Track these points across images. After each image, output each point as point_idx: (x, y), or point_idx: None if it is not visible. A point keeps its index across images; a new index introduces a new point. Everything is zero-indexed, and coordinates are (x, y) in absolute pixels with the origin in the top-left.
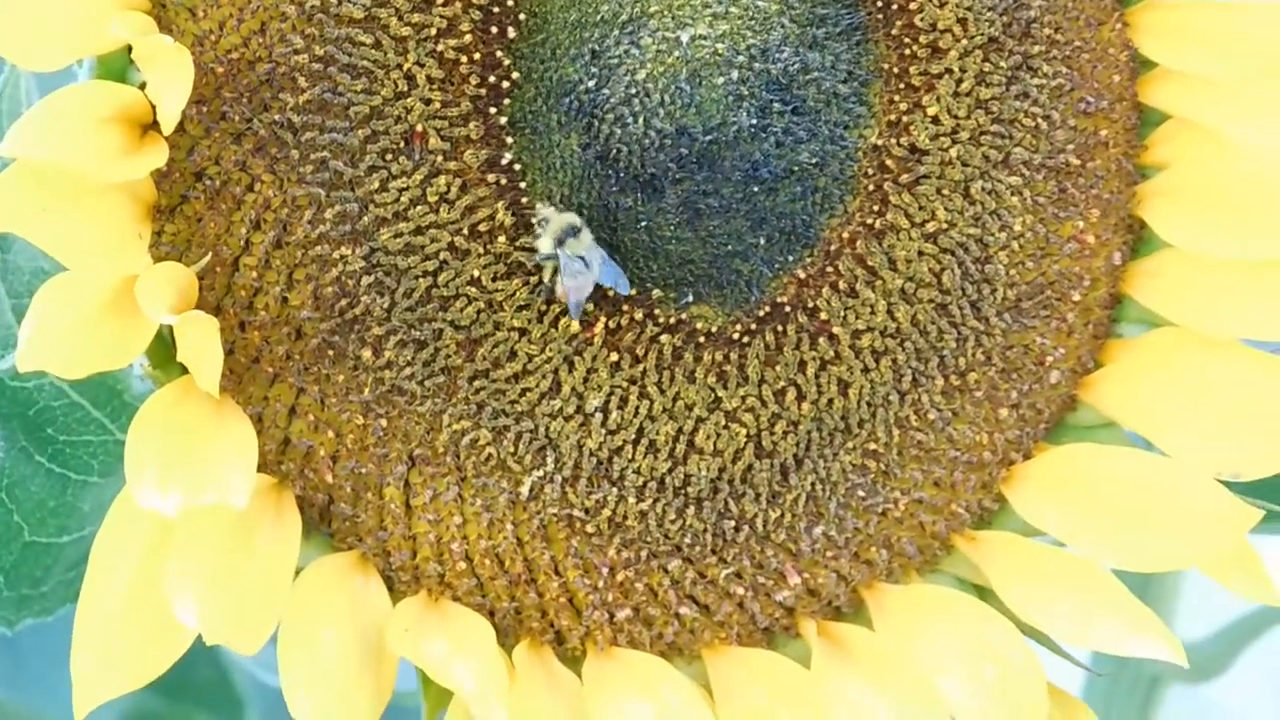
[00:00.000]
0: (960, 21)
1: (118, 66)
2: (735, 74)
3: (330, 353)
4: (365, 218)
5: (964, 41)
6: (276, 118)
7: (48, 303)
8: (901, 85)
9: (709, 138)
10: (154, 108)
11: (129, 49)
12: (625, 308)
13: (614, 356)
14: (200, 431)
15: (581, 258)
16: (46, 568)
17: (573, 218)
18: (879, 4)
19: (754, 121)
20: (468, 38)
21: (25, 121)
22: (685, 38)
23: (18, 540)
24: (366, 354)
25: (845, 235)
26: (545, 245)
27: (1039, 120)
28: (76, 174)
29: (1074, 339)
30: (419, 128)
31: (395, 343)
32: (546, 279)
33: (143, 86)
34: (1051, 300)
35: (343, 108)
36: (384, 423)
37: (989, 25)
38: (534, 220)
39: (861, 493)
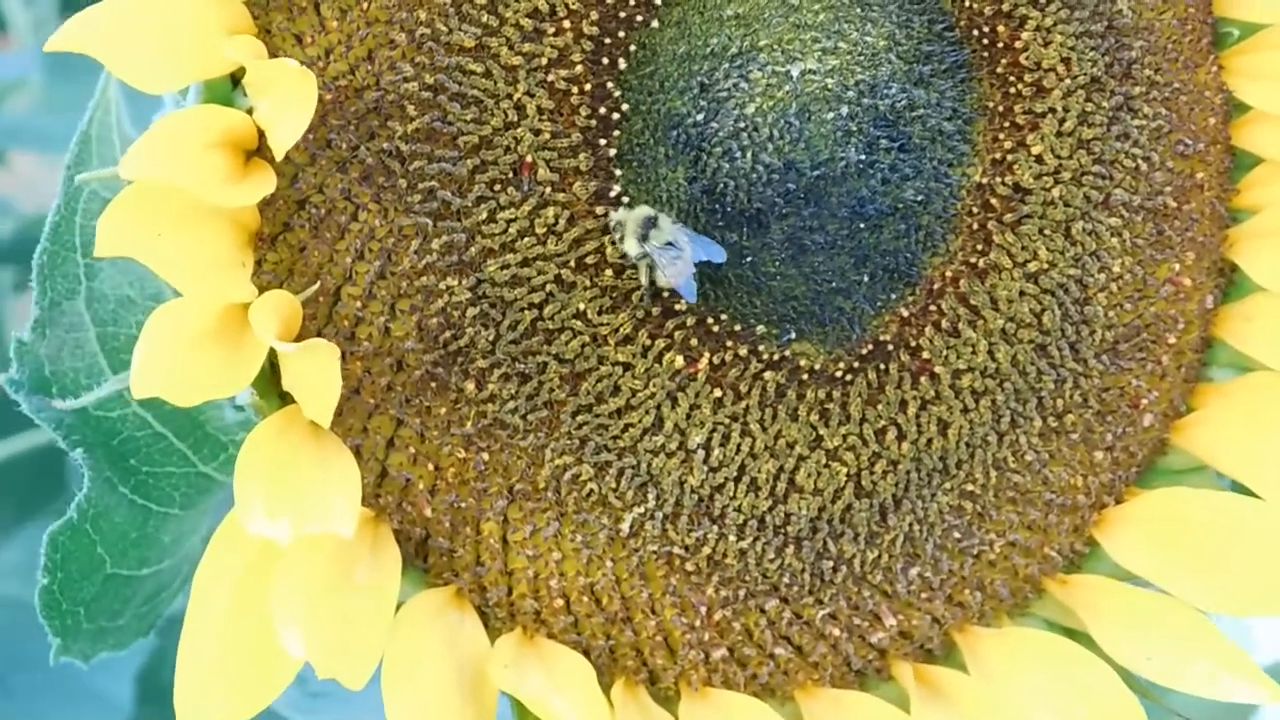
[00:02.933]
0: (1064, 60)
1: (222, 92)
2: (845, 109)
3: (433, 385)
4: (472, 249)
5: (1067, 81)
6: (385, 146)
7: (159, 329)
8: (1006, 124)
9: (816, 173)
10: (260, 134)
11: (232, 75)
12: (729, 344)
13: (717, 393)
14: (305, 461)
15: (670, 243)
16: (125, 600)
17: (645, 210)
18: (984, 42)
19: (862, 157)
20: (579, 68)
21: (143, 144)
22: (795, 72)
23: (100, 572)
24: (470, 387)
25: (948, 274)
26: (631, 246)
27: (1139, 161)
28: (188, 198)
29: (1167, 382)
30: (528, 158)
31: (499, 376)
32: (644, 280)
33: (249, 112)
34: (1147, 343)
35: (451, 137)
36: (485, 457)
37: (1091, 65)
38: (610, 225)
39: (957, 534)
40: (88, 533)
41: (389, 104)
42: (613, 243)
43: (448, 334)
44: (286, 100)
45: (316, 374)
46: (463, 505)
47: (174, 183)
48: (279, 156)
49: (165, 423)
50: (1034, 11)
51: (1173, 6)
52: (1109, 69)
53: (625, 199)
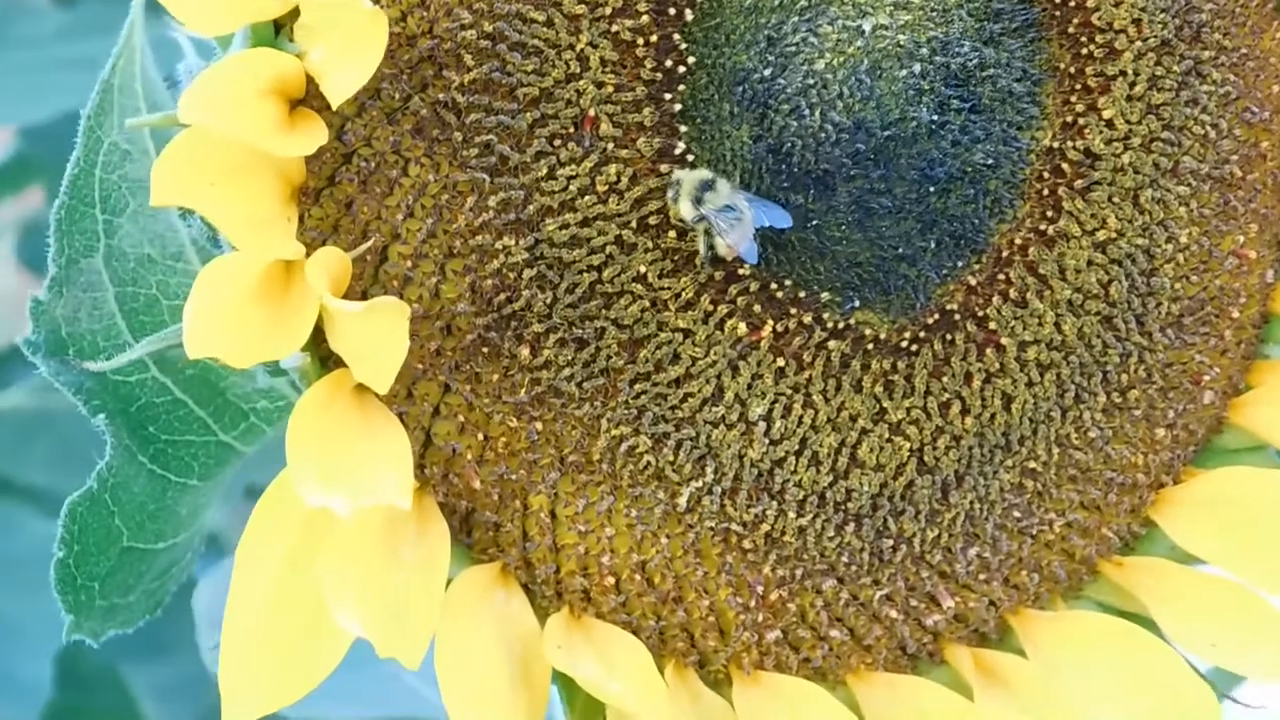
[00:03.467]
0: (1135, 22)
1: (265, 39)
2: (917, 67)
3: (484, 350)
4: (530, 207)
5: (1138, 43)
6: (439, 97)
7: (211, 285)
8: (1077, 86)
9: (887, 133)
10: (308, 82)
11: (274, 23)
12: (793, 311)
13: (780, 362)
14: (353, 430)
15: (728, 207)
16: (140, 575)
17: (703, 173)
18: (1055, 0)
19: (934, 118)
20: (644, 18)
21: (200, 87)
22: (867, 27)
23: (116, 546)
24: (524, 352)
25: (1017, 241)
26: (686, 209)
27: (1208, 128)
28: (241, 146)
29: (1227, 358)
30: (591, 112)
31: (555, 341)
32: (702, 247)
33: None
34: (1210, 317)
35: (510, 89)
36: (538, 426)
37: (1162, 27)
38: (666, 186)
39: (1017, 513)
40: (106, 503)
41: (444, 53)
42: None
43: (502, 296)
44: (349, 45)
45: (381, 336)
46: (512, 477)
47: (231, 129)
48: (336, 105)
49: (185, 389)
50: None
51: None
52: (1179, 32)
53: (690, 157)
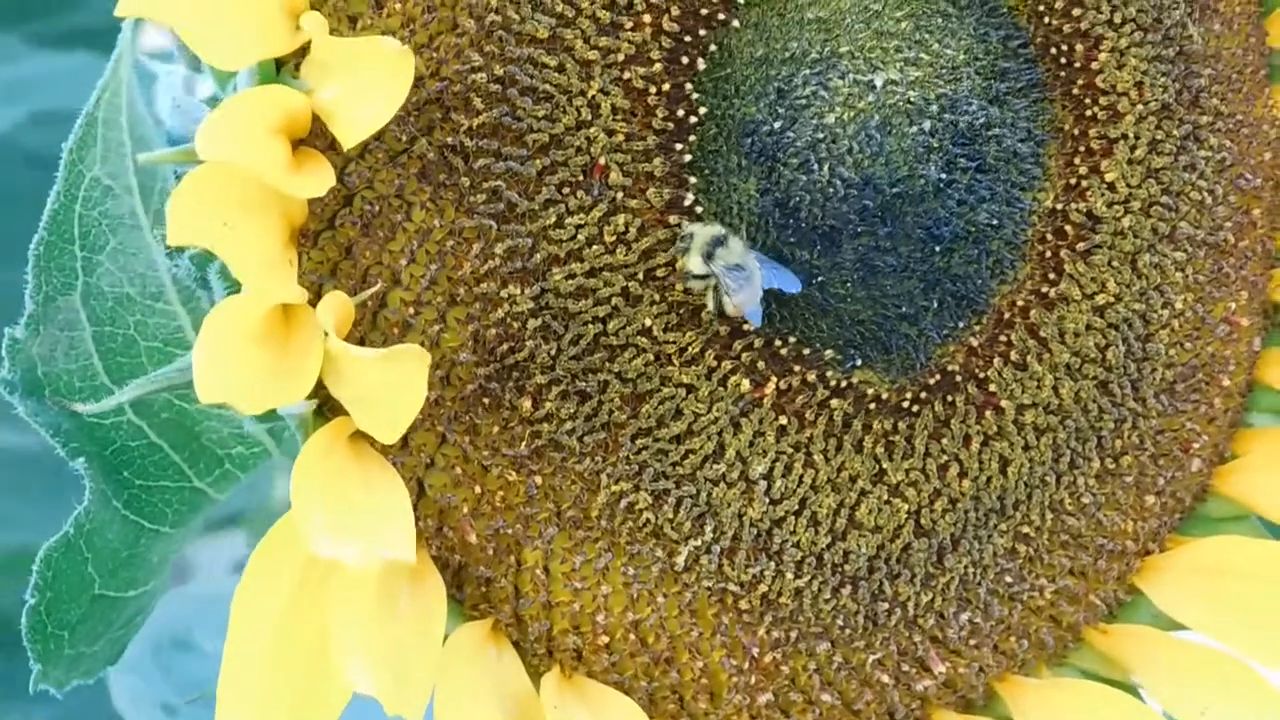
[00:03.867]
0: (1137, 85)
1: (267, 76)
2: (927, 124)
3: (485, 401)
4: (537, 255)
5: (1139, 106)
6: (447, 140)
7: (221, 327)
8: (1081, 148)
9: (895, 190)
10: (314, 122)
11: (276, 61)
12: (797, 369)
13: (782, 420)
14: (354, 480)
15: (738, 266)
16: (108, 624)
17: (716, 228)
18: (1060, 61)
19: (941, 176)
20: (657, 66)
21: (217, 122)
22: (879, 82)
23: (88, 593)
24: (525, 404)
25: (1019, 303)
26: (695, 263)
27: (1204, 194)
28: (251, 185)
29: (1215, 426)
30: (601, 160)
31: (558, 394)
32: (710, 303)
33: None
34: (1201, 384)
35: (520, 134)
36: (537, 480)
37: (1163, 91)
38: (678, 238)
39: (1009, 578)
40: (81, 549)
41: (453, 95)
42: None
43: (505, 346)
44: (368, 84)
45: (398, 384)
46: (508, 532)
47: (252, 165)
48: (349, 146)
49: (161, 433)
50: (1110, 32)
51: (1236, 35)
52: (1178, 96)
53: (699, 209)
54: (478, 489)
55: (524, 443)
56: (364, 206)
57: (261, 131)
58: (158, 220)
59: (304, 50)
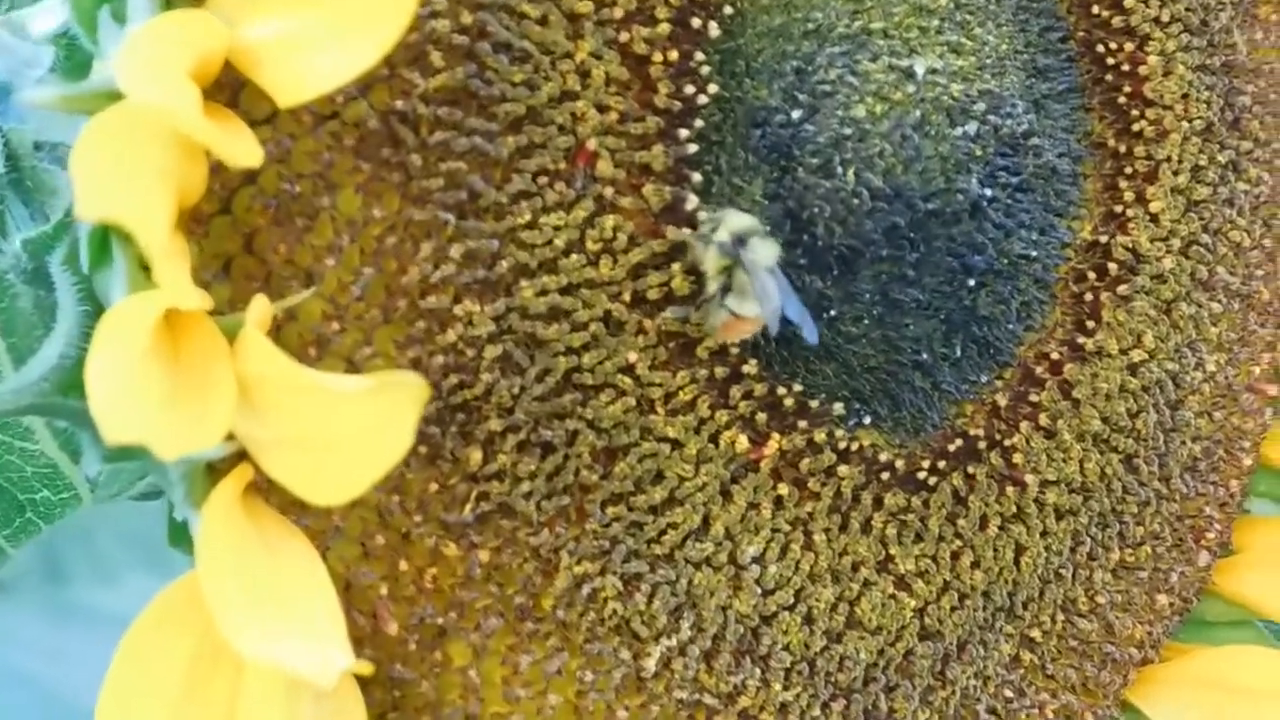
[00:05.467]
0: (1184, 97)
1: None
2: (972, 126)
3: (421, 450)
4: (503, 263)
5: (1184, 124)
6: (397, 105)
7: (122, 342)
8: (1127, 169)
9: (929, 206)
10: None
11: None
12: (801, 425)
13: (781, 489)
14: (261, 553)
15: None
16: None
17: (750, 220)
18: (1107, 62)
19: (985, 192)
20: (663, 27)
21: (139, 52)
22: (920, 70)
23: None
24: (474, 455)
25: (1052, 355)
26: (715, 251)
27: (1242, 234)
28: (174, 142)
29: (1225, 512)
30: (590, 144)
31: (514, 444)
32: (712, 289)
33: None
34: (1220, 463)
35: (489, 102)
36: (482, 556)
37: (1206, 107)
38: (700, 218)
39: (1009, 692)
40: None
41: (404, 46)
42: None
43: (454, 379)
44: (345, 19)
45: (375, 428)
46: (439, 622)
47: (177, 114)
48: (290, 103)
49: None
50: (1158, 31)
51: (1276, 48)
52: (1222, 114)
53: (702, 214)
54: (402, 564)
55: (467, 506)
56: (279, 185)
57: (184, 72)
58: None
59: None
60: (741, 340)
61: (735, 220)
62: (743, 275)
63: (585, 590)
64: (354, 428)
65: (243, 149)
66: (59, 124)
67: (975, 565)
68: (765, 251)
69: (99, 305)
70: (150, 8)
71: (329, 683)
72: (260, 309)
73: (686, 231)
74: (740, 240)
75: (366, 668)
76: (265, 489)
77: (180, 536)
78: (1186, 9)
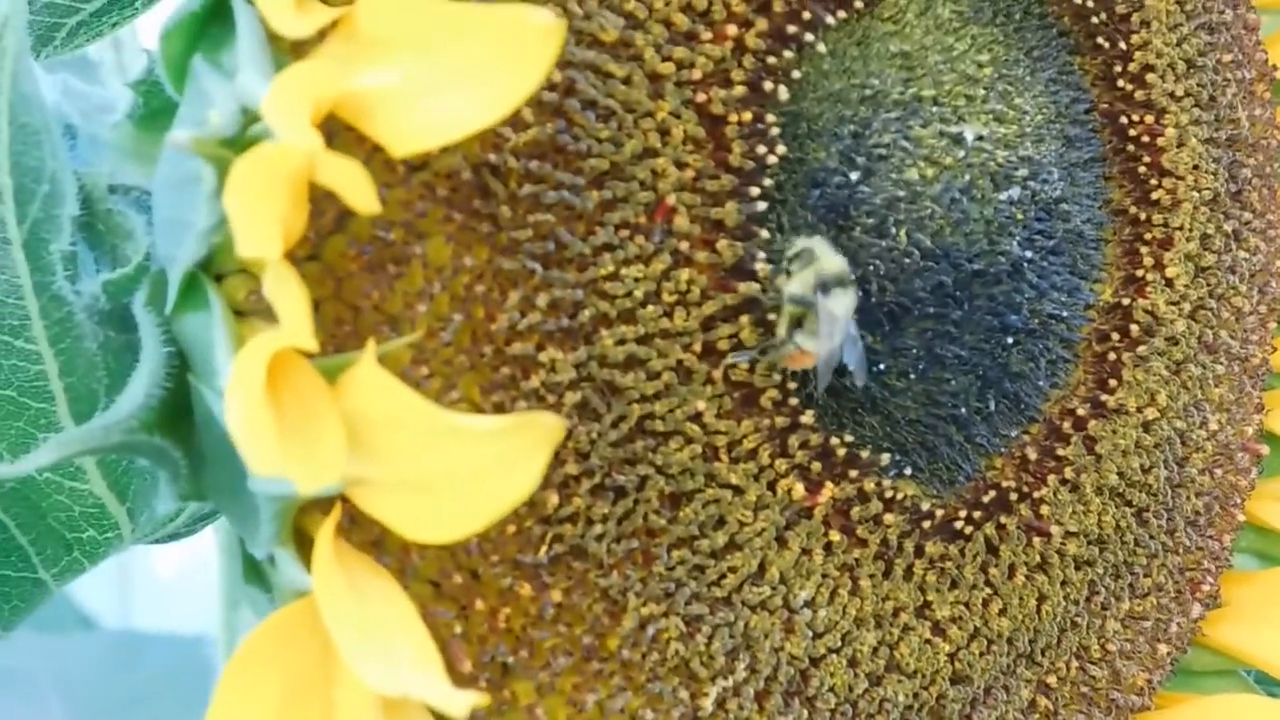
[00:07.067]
0: (1195, 168)
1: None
2: (1015, 191)
3: None
4: (585, 312)
5: (1195, 194)
6: (489, 158)
7: (245, 386)
8: (1146, 235)
9: (974, 266)
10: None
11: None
12: (853, 474)
13: (832, 535)
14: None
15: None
16: None
17: (844, 264)
18: (1129, 133)
19: (1027, 255)
20: (739, 89)
21: (285, 91)
22: (969, 136)
23: None
24: (551, 499)
25: (1079, 411)
26: (803, 286)
27: (1242, 300)
28: (299, 185)
29: (1218, 565)
30: (669, 199)
31: (589, 488)
32: (783, 330)
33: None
34: (1217, 518)
35: (577, 157)
36: (554, 597)
37: (1214, 178)
38: (787, 252)
39: None
40: None
41: None
42: (769, 277)
43: None
44: (478, 67)
45: (503, 468)
46: (509, 661)
47: (316, 158)
48: (405, 152)
49: (6, 507)
50: (1173, 105)
51: (1270, 125)
52: (1227, 186)
53: (765, 270)
54: (478, 603)
55: (543, 548)
56: (372, 233)
57: (312, 119)
58: (35, 232)
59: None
60: (799, 391)
61: (829, 261)
62: (814, 317)
63: (650, 631)
64: (482, 466)
65: (366, 195)
66: (133, 168)
67: (1003, 612)
68: (845, 302)
69: (178, 347)
70: (262, 58)
71: (462, 714)
72: (373, 351)
73: (755, 287)
74: (824, 286)
75: (485, 700)
76: (345, 529)
77: (254, 574)
78: (1198, 84)
